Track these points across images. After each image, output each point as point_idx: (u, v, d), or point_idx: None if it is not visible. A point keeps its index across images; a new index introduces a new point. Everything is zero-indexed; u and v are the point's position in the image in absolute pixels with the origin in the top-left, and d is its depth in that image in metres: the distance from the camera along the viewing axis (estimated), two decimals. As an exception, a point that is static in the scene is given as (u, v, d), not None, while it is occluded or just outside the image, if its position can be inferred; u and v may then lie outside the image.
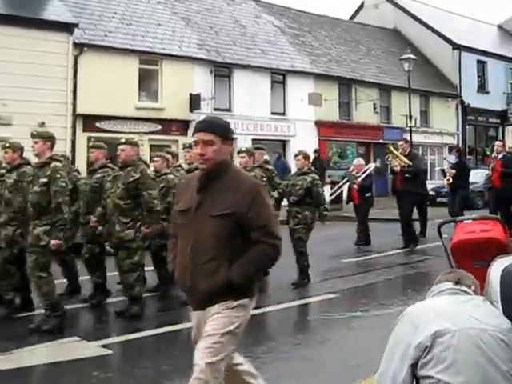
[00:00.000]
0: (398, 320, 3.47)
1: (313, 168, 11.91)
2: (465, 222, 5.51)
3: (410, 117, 30.15)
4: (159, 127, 25.87)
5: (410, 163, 14.82)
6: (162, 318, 8.91)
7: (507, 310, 3.49)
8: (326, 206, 11.35)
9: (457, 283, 3.57)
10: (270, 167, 11.88)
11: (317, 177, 11.15)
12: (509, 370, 3.23)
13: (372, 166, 17.31)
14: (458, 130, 39.59)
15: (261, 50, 30.58)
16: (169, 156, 11.12)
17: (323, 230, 13.86)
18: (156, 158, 10.82)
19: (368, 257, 14.27)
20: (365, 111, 33.53)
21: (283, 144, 30.32)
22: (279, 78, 30.55)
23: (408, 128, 30.45)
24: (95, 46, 24.11)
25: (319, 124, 31.49)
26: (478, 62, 41.04)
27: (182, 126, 26.52)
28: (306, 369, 6.59)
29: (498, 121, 42.55)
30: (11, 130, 21.11)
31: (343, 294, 10.54)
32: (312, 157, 23.43)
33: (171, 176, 10.27)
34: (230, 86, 28.64)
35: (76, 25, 23.47)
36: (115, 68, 24.09)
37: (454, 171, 16.73)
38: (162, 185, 10.08)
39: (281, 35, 33.28)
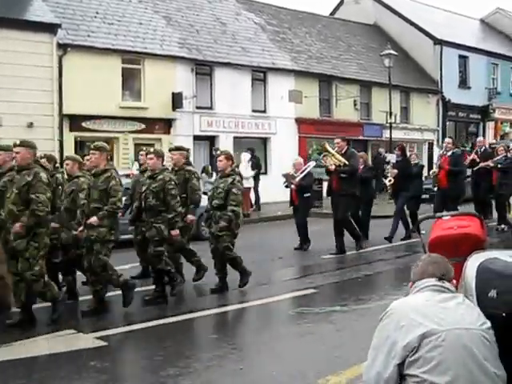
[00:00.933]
0: (383, 316, 3.54)
1: (237, 169, 11.43)
2: (444, 218, 5.58)
3: (390, 113, 30.24)
4: (143, 126, 26.09)
5: (346, 162, 13.81)
6: (152, 312, 9.26)
7: (481, 305, 3.61)
8: (235, 209, 10.38)
9: (440, 279, 3.63)
10: (191, 169, 11.48)
11: (238, 178, 10.55)
12: (494, 368, 3.34)
13: (312, 164, 16.48)
14: (438, 125, 39.61)
15: (241, 48, 30.77)
16: (79, 159, 10.90)
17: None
18: (67, 161, 10.56)
19: (349, 253, 14.38)
20: (345, 108, 33.69)
21: (264, 141, 30.67)
22: (260, 75, 30.73)
23: (388, 124, 30.71)
24: (78, 46, 24.30)
25: (300, 121, 31.72)
26: (460, 56, 40.83)
27: (165, 124, 26.91)
28: (286, 360, 7.01)
29: (479, 116, 42.49)
30: (0, 131, 21.54)
31: (323, 289, 10.96)
32: (248, 157, 23.32)
33: (82, 179, 9.86)
34: (211, 84, 28.82)
35: (59, 25, 23.66)
36: (98, 68, 24.31)
37: (396, 171, 16.17)
38: (72, 188, 9.95)
39: (261, 32, 33.40)
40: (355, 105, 34.44)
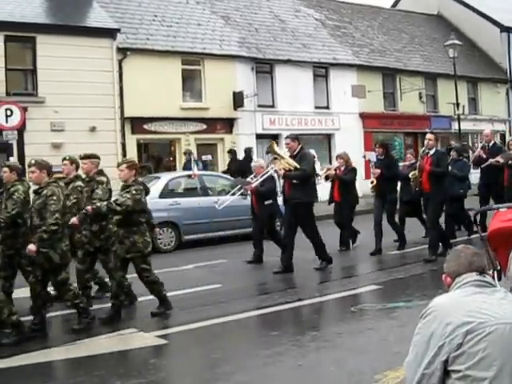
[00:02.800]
0: (424, 313, 3.55)
1: (140, 179, 10.07)
2: (501, 210, 5.45)
3: (458, 104, 30.02)
4: (204, 126, 26.29)
5: (298, 166, 12.04)
6: (212, 311, 9.39)
7: None
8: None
9: (481, 273, 3.63)
10: (100, 179, 10.01)
11: (141, 188, 9.27)
12: None
13: (272, 168, 13.97)
14: (509, 116, 38.71)
15: (302, 44, 30.73)
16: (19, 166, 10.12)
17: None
18: (4, 169, 9.70)
19: (412, 249, 14.30)
20: (410, 101, 33.26)
21: (328, 138, 30.59)
22: (321, 71, 30.61)
23: (456, 116, 30.49)
24: (138, 50, 24.69)
25: (364, 116, 31.48)
26: (529, 43, 39.59)
27: (227, 124, 27.04)
28: (345, 356, 7.03)
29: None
30: (64, 136, 22.19)
31: (386, 285, 10.93)
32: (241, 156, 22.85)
33: (18, 187, 9.20)
34: (272, 82, 28.87)
35: (118, 30, 24.08)
36: (158, 70, 24.61)
37: (378, 171, 14.28)
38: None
39: (321, 28, 33.30)
40: (421, 97, 33.98)
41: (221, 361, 7.05)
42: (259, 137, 27.85)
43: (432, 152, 12.97)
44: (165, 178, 17.27)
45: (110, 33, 23.83)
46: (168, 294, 9.58)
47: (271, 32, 30.58)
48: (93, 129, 22.95)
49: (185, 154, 23.39)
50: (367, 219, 15.67)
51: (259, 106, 28.18)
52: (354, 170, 15.46)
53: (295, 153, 12.31)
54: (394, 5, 44.43)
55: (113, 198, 9.53)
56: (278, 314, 9.46)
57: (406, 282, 11.32)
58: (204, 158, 24.94)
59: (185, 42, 26.60)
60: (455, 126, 31.50)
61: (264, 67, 28.78)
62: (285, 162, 12.25)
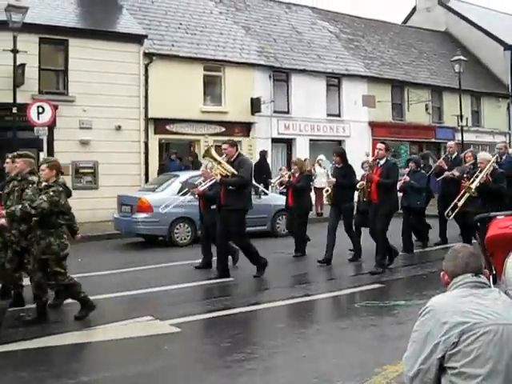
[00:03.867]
0: (422, 311, 3.54)
1: (62, 179, 8.94)
2: (498, 217, 5.49)
3: (461, 117, 29.98)
4: (223, 129, 26.27)
5: (235, 172, 11.14)
6: (223, 303, 9.42)
7: None
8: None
9: (476, 274, 3.59)
10: (31, 178, 9.07)
11: (60, 189, 8.38)
12: None
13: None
14: (509, 129, 38.63)
15: (317, 55, 30.76)
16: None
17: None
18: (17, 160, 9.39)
19: (416, 251, 14.27)
20: (417, 112, 33.22)
21: (339, 144, 30.44)
22: (334, 81, 30.60)
23: (459, 128, 30.45)
24: (163, 55, 24.71)
25: (373, 125, 31.42)
26: (529, 62, 39.56)
27: (244, 127, 27.03)
28: (348, 350, 7.05)
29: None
30: (91, 133, 22.33)
31: (388, 284, 10.94)
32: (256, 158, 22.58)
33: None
34: (287, 90, 28.85)
35: (145, 36, 24.15)
36: (182, 75, 24.67)
37: (333, 180, 13.11)
38: None
39: (336, 40, 33.36)
40: (427, 109, 33.91)
41: (231, 349, 7.04)
42: (274, 141, 27.88)
43: (382, 162, 11.99)
44: (183, 176, 17.27)
45: (137, 38, 23.88)
46: (182, 286, 9.62)
47: (288, 43, 30.60)
48: (118, 128, 23.01)
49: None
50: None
51: (275, 111, 28.17)
52: (309, 177, 14.88)
53: (233, 159, 11.40)
54: (405, 21, 44.39)
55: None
56: (285, 308, 9.48)
57: (406, 282, 11.33)
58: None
59: (207, 50, 26.62)
60: (458, 136, 31.41)
61: (281, 75, 28.75)
62: (221, 167, 11.32)
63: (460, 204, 11.92)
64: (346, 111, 30.64)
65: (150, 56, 24.26)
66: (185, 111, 24.80)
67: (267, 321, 8.88)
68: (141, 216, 16.28)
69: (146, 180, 22.90)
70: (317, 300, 10.01)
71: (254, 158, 24.51)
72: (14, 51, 18.14)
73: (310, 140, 28.81)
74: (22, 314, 8.57)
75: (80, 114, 22.28)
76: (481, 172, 11.33)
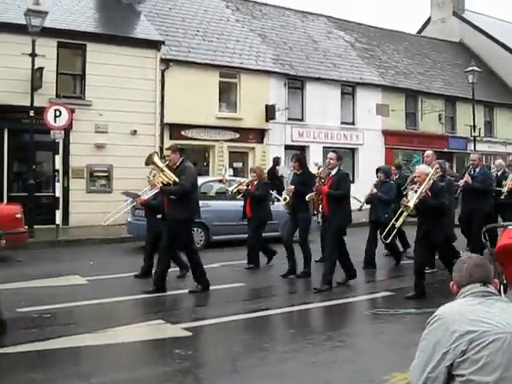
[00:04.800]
0: (430, 320, 3.52)
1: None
2: (509, 227, 5.57)
3: (474, 127, 29.96)
4: (237, 135, 26.34)
5: (177, 180, 10.35)
6: (235, 307, 9.41)
7: None
8: None
9: (484, 283, 3.60)
10: None
11: None
12: None
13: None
14: (522, 139, 38.67)
15: (332, 64, 30.79)
16: None
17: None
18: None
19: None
20: (430, 121, 33.19)
21: (352, 152, 30.48)
22: (349, 89, 30.61)
23: (472, 138, 30.39)
24: (180, 62, 24.80)
25: (386, 133, 31.40)
26: (543, 73, 39.59)
27: (259, 134, 27.05)
28: (358, 356, 7.02)
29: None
30: (107, 137, 22.41)
31: (399, 292, 10.81)
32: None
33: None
34: (302, 98, 28.90)
35: (163, 42, 24.25)
36: (198, 81, 24.74)
37: (292, 187, 12.34)
38: None
39: (351, 49, 33.41)
40: (440, 118, 33.88)
41: (242, 354, 7.04)
42: (288, 147, 27.84)
43: (333, 173, 11.19)
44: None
45: (154, 44, 23.97)
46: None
47: (304, 51, 30.64)
48: (134, 132, 23.08)
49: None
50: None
51: (289, 119, 28.22)
52: (268, 185, 14.04)
53: (176, 166, 10.61)
54: (420, 31, 44.38)
55: None
56: (296, 314, 9.46)
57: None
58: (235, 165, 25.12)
59: (223, 57, 26.68)
60: (471, 146, 31.43)
61: (295, 83, 28.78)
62: (164, 174, 10.49)
63: (398, 225, 10.87)
64: (360, 119, 30.64)
65: (166, 62, 24.35)
66: (200, 117, 24.86)
67: (278, 326, 8.86)
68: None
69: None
70: (327, 307, 9.95)
71: (267, 165, 24.52)
72: (33, 55, 18.28)
73: (324, 147, 28.76)
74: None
75: (96, 118, 22.36)
76: (420, 186, 10.04)
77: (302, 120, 28.87)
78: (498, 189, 14.15)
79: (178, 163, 10.63)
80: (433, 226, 9.86)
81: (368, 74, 31.78)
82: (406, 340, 7.38)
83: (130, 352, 7.45)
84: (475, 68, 29.36)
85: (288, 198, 12.36)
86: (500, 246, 5.27)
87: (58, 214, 18.63)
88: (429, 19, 44.28)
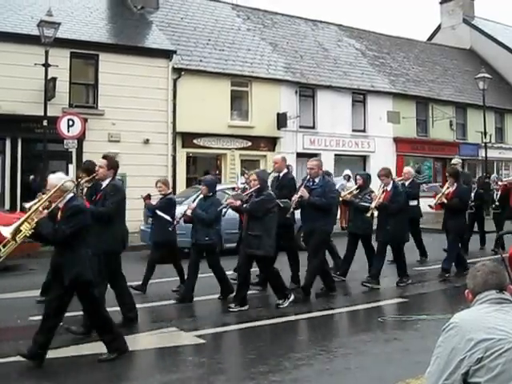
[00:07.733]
0: (446, 327, 3.47)
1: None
2: None
3: (485, 133, 29.81)
4: (249, 143, 26.37)
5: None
6: (248, 315, 9.38)
7: None
8: None
9: (500, 290, 3.56)
10: None
11: None
12: None
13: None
14: (533, 145, 38.49)
15: (342, 72, 30.77)
16: None
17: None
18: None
19: (437, 266, 13.78)
20: (441, 128, 33.15)
21: (363, 159, 30.45)
22: (360, 97, 30.60)
23: (483, 144, 30.27)
24: (191, 71, 24.85)
25: (397, 140, 31.36)
26: (553, 79, 39.52)
27: (270, 142, 27.06)
28: (371, 363, 6.98)
29: None
30: (119, 146, 22.38)
31: (411, 298, 10.81)
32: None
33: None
34: (313, 106, 28.88)
35: (174, 51, 24.33)
36: (209, 90, 24.83)
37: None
38: None
39: (361, 57, 33.38)
40: (451, 125, 33.82)
41: (255, 361, 7.01)
42: (300, 155, 27.80)
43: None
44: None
45: (166, 54, 24.07)
46: (208, 298, 9.60)
47: (315, 59, 30.63)
48: (146, 141, 23.15)
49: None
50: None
51: (301, 126, 28.19)
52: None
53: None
54: (430, 38, 44.29)
55: None
56: (309, 321, 9.41)
57: (429, 297, 11.22)
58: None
59: (235, 65, 26.72)
60: (482, 153, 31.31)
61: (307, 91, 28.78)
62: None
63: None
64: (371, 127, 30.60)
65: (178, 71, 24.42)
66: (212, 125, 24.90)
67: (291, 333, 8.82)
68: (167, 228, 16.23)
69: (174, 193, 22.93)
70: (340, 313, 9.96)
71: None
72: (46, 65, 18.36)
73: (335, 155, 28.76)
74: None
75: (109, 128, 22.46)
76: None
77: (313, 128, 28.84)
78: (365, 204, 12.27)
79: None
80: None
81: (379, 82, 31.74)
82: (418, 346, 7.38)
83: (144, 359, 7.46)
84: (486, 74, 29.25)
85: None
86: (512, 253, 5.19)
87: (72, 223, 18.61)
88: (439, 26, 44.22)
